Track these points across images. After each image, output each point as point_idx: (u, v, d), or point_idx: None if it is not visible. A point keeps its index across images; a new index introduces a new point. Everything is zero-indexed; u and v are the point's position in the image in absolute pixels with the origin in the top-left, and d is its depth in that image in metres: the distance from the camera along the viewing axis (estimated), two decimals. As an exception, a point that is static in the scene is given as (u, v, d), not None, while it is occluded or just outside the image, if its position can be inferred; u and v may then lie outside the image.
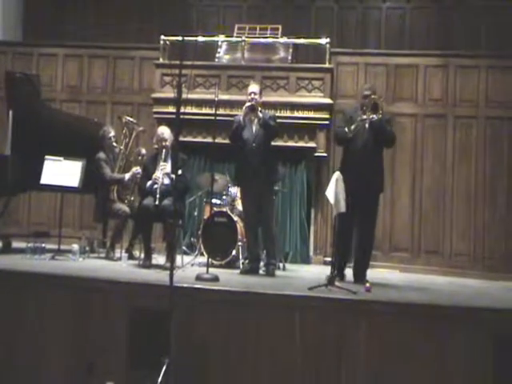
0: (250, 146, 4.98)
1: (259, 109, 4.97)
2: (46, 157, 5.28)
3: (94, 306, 4.00)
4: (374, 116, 4.70)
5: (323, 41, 6.98)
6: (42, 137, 5.47)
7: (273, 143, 5.14)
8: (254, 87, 5.14)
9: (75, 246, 5.28)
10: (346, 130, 4.75)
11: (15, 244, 5.72)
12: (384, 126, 4.80)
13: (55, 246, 5.25)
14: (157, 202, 4.91)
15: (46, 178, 5.24)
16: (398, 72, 7.02)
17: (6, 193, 5.60)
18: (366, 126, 4.77)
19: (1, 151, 5.57)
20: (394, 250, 6.85)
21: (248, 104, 4.94)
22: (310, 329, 3.76)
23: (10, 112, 5.42)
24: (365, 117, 4.72)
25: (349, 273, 4.93)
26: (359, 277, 4.78)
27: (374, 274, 5.33)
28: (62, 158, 5.29)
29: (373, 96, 4.82)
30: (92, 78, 7.60)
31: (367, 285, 4.30)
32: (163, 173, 5.06)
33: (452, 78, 6.92)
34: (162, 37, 7.12)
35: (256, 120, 4.97)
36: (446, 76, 6.93)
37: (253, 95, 5.01)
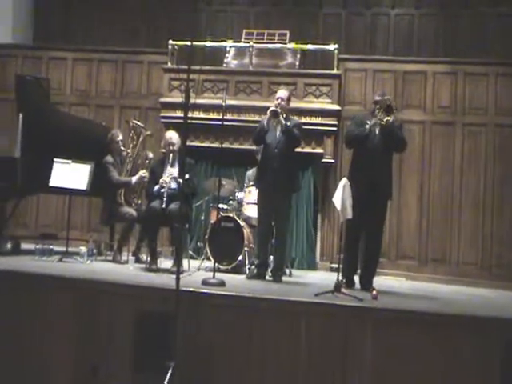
0: (272, 150, 4.97)
1: (284, 115, 4.93)
2: (55, 159, 5.30)
3: (100, 309, 4.01)
4: (388, 118, 4.69)
5: (331, 47, 6.98)
6: (51, 140, 5.50)
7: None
8: (281, 92, 5.11)
9: (83, 249, 5.31)
10: (366, 126, 4.72)
11: (24, 245, 5.75)
12: (396, 129, 4.79)
13: (63, 248, 5.28)
14: (164, 206, 4.92)
15: (54, 181, 5.27)
16: (406, 79, 7.01)
17: (16, 195, 5.64)
18: (377, 131, 4.76)
19: (11, 154, 5.60)
20: (400, 257, 6.82)
21: (271, 109, 4.93)
22: (316, 335, 3.75)
23: (20, 115, 5.45)
24: (378, 119, 4.70)
25: (355, 280, 4.91)
26: (366, 284, 4.76)
27: (380, 281, 5.31)
28: (70, 161, 5.31)
29: (386, 97, 4.82)
30: (101, 82, 7.64)
31: (374, 292, 4.28)
32: (170, 177, 5.07)
33: (461, 85, 6.90)
34: (171, 41, 7.15)
35: (279, 126, 4.95)
36: (455, 83, 6.91)
37: (280, 100, 4.99)
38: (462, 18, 7.75)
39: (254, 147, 5.64)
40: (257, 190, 5.24)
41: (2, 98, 7.40)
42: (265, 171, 5.00)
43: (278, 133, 4.99)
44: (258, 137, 5.03)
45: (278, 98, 5.02)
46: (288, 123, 4.93)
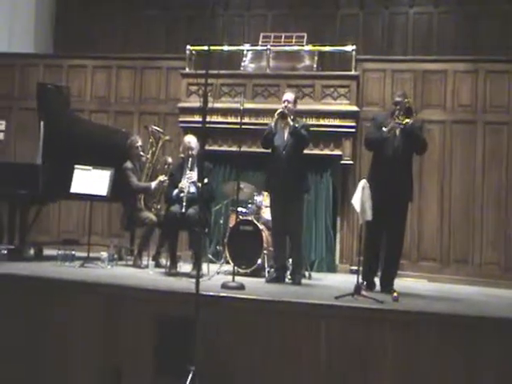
0: (280, 152, 4.99)
1: (291, 117, 4.97)
2: (76, 166, 5.38)
3: (122, 313, 4.05)
4: (408, 120, 4.65)
5: (349, 48, 6.95)
6: (71, 146, 5.59)
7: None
8: (288, 95, 5.15)
9: (104, 254, 5.37)
10: (384, 129, 4.70)
11: (46, 251, 5.85)
12: (417, 130, 4.75)
13: (84, 254, 5.34)
14: (183, 210, 4.95)
15: (75, 187, 5.34)
16: (426, 78, 6.94)
17: (38, 201, 5.74)
18: (397, 133, 4.72)
19: (32, 161, 5.70)
20: (422, 259, 6.74)
21: (279, 110, 4.96)
22: (336, 338, 3.72)
23: (42, 123, 5.54)
24: (398, 121, 4.67)
25: (376, 282, 4.87)
26: (386, 286, 4.72)
27: (401, 283, 5.26)
28: (90, 168, 5.38)
29: (406, 99, 4.78)
30: (120, 89, 7.73)
31: (394, 294, 4.25)
32: (189, 181, 5.10)
33: (482, 83, 6.79)
34: (188, 47, 7.20)
35: (287, 128, 4.97)
36: (476, 81, 6.80)
37: (286, 103, 5.02)
38: (482, 15, 7.65)
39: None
40: (267, 195, 5.24)
41: (25, 107, 7.55)
42: (274, 174, 5.01)
43: (285, 135, 5.01)
44: (265, 140, 5.05)
45: (284, 101, 5.05)
46: (296, 124, 4.95)
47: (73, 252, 5.34)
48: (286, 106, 4.99)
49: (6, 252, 4.98)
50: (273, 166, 5.04)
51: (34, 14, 8.45)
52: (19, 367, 4.14)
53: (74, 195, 5.42)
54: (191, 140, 5.30)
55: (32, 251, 5.69)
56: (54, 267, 5.01)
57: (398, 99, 4.85)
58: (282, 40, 7.45)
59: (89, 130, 6.14)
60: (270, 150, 5.11)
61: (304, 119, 6.33)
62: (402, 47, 7.95)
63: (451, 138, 6.82)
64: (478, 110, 6.79)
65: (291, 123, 4.95)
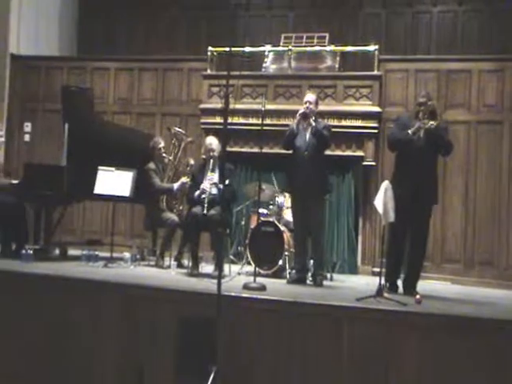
0: (302, 153, 4.98)
1: (313, 117, 4.96)
2: (99, 167, 5.44)
3: (144, 313, 4.08)
4: (433, 123, 4.59)
5: (371, 48, 6.89)
6: (95, 148, 5.65)
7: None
8: (309, 96, 5.14)
9: (127, 254, 5.44)
10: (409, 130, 4.65)
11: (71, 251, 5.93)
12: (442, 133, 4.68)
13: (108, 254, 5.40)
14: (205, 211, 4.97)
15: (99, 188, 5.40)
16: (450, 78, 6.83)
17: (62, 202, 5.82)
18: (421, 134, 4.66)
19: (57, 162, 5.79)
20: (445, 261, 6.64)
21: (301, 111, 4.96)
22: (358, 341, 3.70)
23: (66, 124, 5.63)
24: (422, 124, 4.61)
25: (399, 284, 4.82)
26: (409, 288, 4.67)
27: (424, 285, 5.18)
28: (113, 169, 5.43)
29: (430, 102, 4.72)
30: (142, 91, 7.80)
31: (417, 296, 4.20)
32: (211, 183, 5.12)
33: (508, 82, 6.64)
34: (210, 48, 7.23)
35: (309, 128, 4.96)
36: (502, 81, 6.67)
37: (308, 104, 5.01)
38: (507, 13, 7.51)
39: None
40: (288, 196, 5.22)
41: (50, 109, 7.68)
42: (295, 175, 5.00)
43: (307, 136, 5.00)
44: (287, 141, 5.05)
45: (306, 102, 5.05)
46: (317, 125, 4.95)
47: (96, 252, 5.41)
48: (307, 107, 4.99)
49: (31, 252, 5.06)
50: (294, 167, 5.03)
51: (58, 18, 8.61)
52: (44, 367, 4.20)
53: (97, 196, 5.48)
54: (213, 141, 5.32)
55: (57, 251, 5.79)
56: (78, 267, 5.08)
57: (421, 100, 4.79)
58: (304, 40, 7.42)
59: (112, 132, 6.20)
60: (291, 151, 5.10)
61: (326, 120, 6.31)
62: (426, 47, 7.85)
63: (476, 139, 6.71)
64: (504, 109, 6.66)
65: (313, 124, 4.94)
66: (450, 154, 5.02)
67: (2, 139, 7.41)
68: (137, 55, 8.15)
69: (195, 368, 3.70)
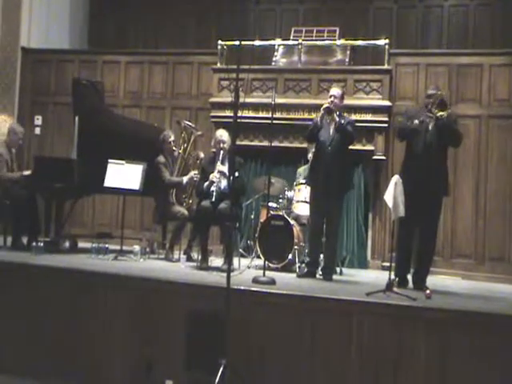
0: (326, 148, 4.95)
1: (337, 112, 4.92)
2: (109, 161, 5.46)
3: (153, 306, 4.10)
4: (443, 113, 4.56)
5: (382, 42, 6.85)
6: (105, 141, 5.67)
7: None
8: (334, 90, 5.10)
9: (136, 247, 5.46)
10: (416, 121, 4.62)
11: (81, 244, 5.97)
12: (451, 123, 4.65)
13: (118, 247, 5.43)
14: (213, 200, 4.95)
15: (109, 181, 5.42)
16: (461, 72, 6.78)
17: (73, 195, 5.86)
18: (430, 127, 4.64)
19: (68, 155, 5.81)
20: (456, 256, 6.61)
21: (325, 105, 4.93)
22: (368, 335, 3.69)
23: (77, 117, 5.65)
24: (432, 114, 4.58)
25: (408, 279, 4.81)
26: (419, 283, 4.65)
27: (434, 280, 5.18)
28: (124, 162, 5.45)
29: (439, 92, 4.69)
30: (152, 84, 7.81)
31: (427, 291, 4.18)
32: (219, 170, 5.09)
33: (519, 77, 6.61)
34: (220, 42, 7.22)
35: (333, 123, 4.93)
36: (514, 75, 6.63)
37: (333, 98, 4.98)
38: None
39: (304, 145, 5.60)
40: (307, 188, 5.20)
41: (61, 102, 7.72)
42: (318, 169, 4.98)
43: (331, 130, 4.96)
44: (311, 134, 5.02)
45: (331, 96, 5.01)
46: (342, 120, 4.90)
47: (106, 245, 5.44)
48: (332, 101, 4.94)
49: (42, 244, 5.09)
50: (318, 161, 5.01)
51: (69, 11, 8.64)
52: (53, 359, 4.23)
53: (107, 189, 5.50)
54: (223, 134, 5.32)
55: (67, 244, 5.83)
56: (88, 260, 5.11)
57: (430, 92, 4.79)
58: (314, 34, 7.39)
59: (122, 125, 6.21)
60: (314, 145, 5.06)
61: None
62: (437, 41, 7.80)
63: (487, 133, 6.66)
64: (516, 104, 6.61)
65: (337, 119, 4.89)
66: (460, 146, 4.99)
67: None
68: (147, 49, 8.16)
69: (204, 361, 3.72)
